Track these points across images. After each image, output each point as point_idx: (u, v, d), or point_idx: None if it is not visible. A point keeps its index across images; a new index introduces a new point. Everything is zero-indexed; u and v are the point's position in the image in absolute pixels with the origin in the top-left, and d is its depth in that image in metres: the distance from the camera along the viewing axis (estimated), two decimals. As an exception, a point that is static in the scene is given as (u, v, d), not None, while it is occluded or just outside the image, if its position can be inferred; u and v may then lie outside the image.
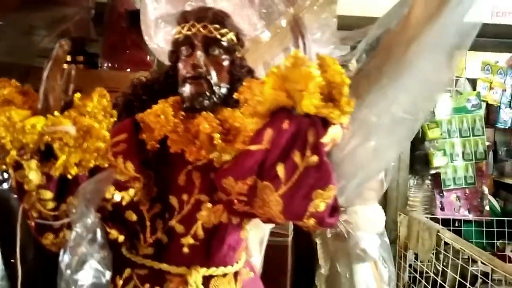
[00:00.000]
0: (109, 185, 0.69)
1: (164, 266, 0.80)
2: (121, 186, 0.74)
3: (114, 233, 0.75)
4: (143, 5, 1.09)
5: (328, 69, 0.64)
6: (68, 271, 0.69)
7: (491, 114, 3.19)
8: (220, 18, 0.81)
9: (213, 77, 0.78)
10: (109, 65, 1.92)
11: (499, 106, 3.13)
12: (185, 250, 0.79)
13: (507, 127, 3.15)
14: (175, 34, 0.80)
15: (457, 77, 3.19)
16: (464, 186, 2.87)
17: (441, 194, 2.90)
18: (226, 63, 0.80)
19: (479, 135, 3.02)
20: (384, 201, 2.66)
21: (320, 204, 0.67)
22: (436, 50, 1.08)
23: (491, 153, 3.08)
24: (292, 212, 0.69)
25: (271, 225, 1.55)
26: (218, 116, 0.77)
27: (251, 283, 0.89)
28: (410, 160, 2.83)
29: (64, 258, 0.69)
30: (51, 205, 0.70)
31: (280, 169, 0.67)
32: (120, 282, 0.81)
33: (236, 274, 0.86)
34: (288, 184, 0.67)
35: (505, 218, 2.80)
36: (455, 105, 3.08)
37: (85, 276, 0.69)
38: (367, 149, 1.29)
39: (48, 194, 0.69)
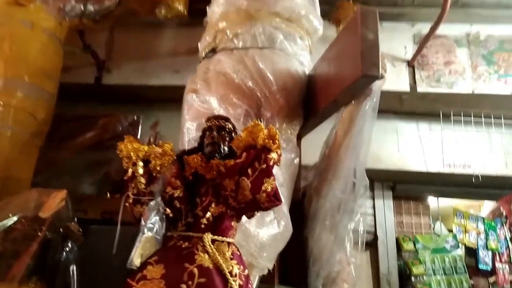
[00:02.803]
0: (167, 185, 1.47)
1: (190, 234, 1.46)
2: (173, 188, 1.50)
3: (168, 210, 1.45)
4: (182, 133, 2.05)
5: (272, 130, 1.49)
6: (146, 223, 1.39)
7: (470, 255, 3.70)
8: (226, 118, 1.69)
9: (221, 144, 1.62)
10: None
11: (477, 249, 3.67)
12: (202, 226, 1.47)
13: (488, 269, 3.60)
14: (205, 126, 1.69)
15: (433, 221, 3.88)
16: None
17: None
18: (227, 138, 1.64)
19: (462, 273, 3.47)
20: None
21: (268, 186, 1.41)
22: (353, 152, 1.92)
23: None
24: (254, 189, 1.41)
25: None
26: (222, 161, 1.58)
27: (238, 257, 1.50)
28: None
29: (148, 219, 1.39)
30: (143, 186, 1.45)
31: (249, 170, 1.44)
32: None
33: (229, 244, 1.49)
34: (253, 176, 1.42)
35: None
36: (435, 246, 3.64)
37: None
38: (326, 231, 2.03)
39: (143, 180, 1.47)
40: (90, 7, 3.03)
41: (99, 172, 3.13)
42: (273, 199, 1.43)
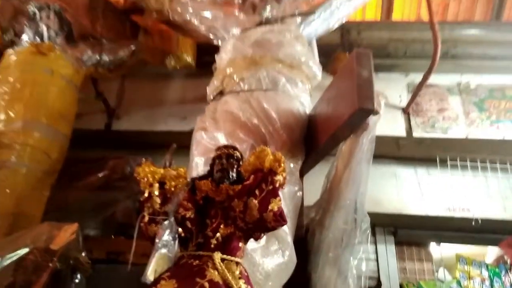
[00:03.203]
0: (180, 206, 1.58)
1: (201, 253, 1.54)
2: (185, 209, 1.60)
3: (180, 230, 1.54)
4: (190, 167, 2.19)
5: (277, 155, 1.63)
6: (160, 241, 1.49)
7: (476, 302, 3.66)
8: (234, 147, 1.83)
9: (230, 171, 1.74)
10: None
11: (482, 295, 3.65)
12: (212, 246, 1.56)
13: (495, 315, 3.56)
14: (215, 155, 1.82)
15: (437, 267, 3.88)
16: None
17: None
18: (236, 165, 1.77)
19: (471, 320, 3.43)
20: None
21: (274, 206, 1.51)
22: (353, 184, 2.05)
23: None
24: (262, 209, 1.51)
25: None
26: (231, 186, 1.71)
27: (246, 277, 1.57)
28: None
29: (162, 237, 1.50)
30: (158, 206, 1.56)
31: (257, 191, 1.55)
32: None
33: (237, 263, 1.57)
34: (260, 197, 1.53)
35: None
36: (440, 292, 3.63)
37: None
38: (330, 264, 2.12)
39: (158, 200, 1.58)
40: (105, 57, 3.29)
41: (105, 212, 3.22)
42: (279, 219, 1.53)
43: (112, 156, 3.28)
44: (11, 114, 2.70)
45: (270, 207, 1.51)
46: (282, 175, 1.56)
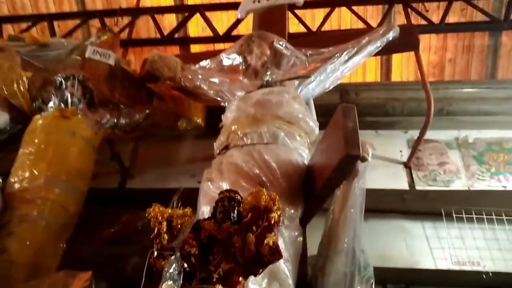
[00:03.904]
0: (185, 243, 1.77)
1: (204, 286, 1.70)
2: (190, 246, 1.78)
3: (185, 265, 1.71)
4: (197, 216, 2.39)
5: (272, 195, 1.84)
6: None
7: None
8: (235, 191, 2.03)
9: (231, 212, 1.94)
10: None
11: None
12: (214, 279, 1.71)
13: None
14: (217, 198, 2.03)
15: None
16: None
17: None
18: (236, 207, 1.97)
19: None
20: None
21: (270, 240, 1.69)
22: (350, 226, 2.23)
23: None
24: (258, 242, 1.68)
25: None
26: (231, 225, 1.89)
27: None
28: None
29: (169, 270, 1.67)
30: (166, 242, 1.74)
31: (254, 227, 1.74)
32: None
33: None
34: (257, 232, 1.72)
35: None
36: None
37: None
38: None
39: (166, 237, 1.77)
40: (122, 121, 3.64)
41: (116, 267, 3.36)
42: (275, 252, 1.70)
43: (126, 211, 3.49)
44: (35, 172, 2.99)
45: (266, 241, 1.69)
46: (277, 212, 1.76)
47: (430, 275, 3.87)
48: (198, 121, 4.05)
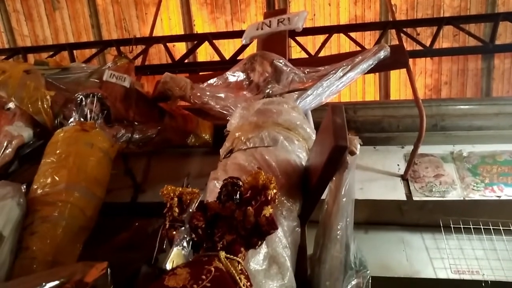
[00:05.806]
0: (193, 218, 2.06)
1: (209, 253, 1.96)
2: (198, 220, 2.07)
3: (193, 235, 1.99)
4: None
5: (269, 176, 2.14)
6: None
7: None
8: (237, 178, 2.33)
9: (233, 195, 2.22)
10: None
11: None
12: (218, 248, 1.98)
13: None
14: (222, 184, 2.32)
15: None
16: None
17: None
18: (238, 191, 2.24)
19: None
20: None
21: (266, 212, 1.98)
22: (342, 214, 2.50)
23: None
24: (256, 214, 1.97)
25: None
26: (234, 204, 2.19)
27: (247, 276, 1.95)
28: None
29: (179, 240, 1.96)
30: (176, 214, 2.03)
31: (253, 202, 2.03)
32: None
33: (239, 263, 1.95)
34: (255, 205, 2.01)
35: None
36: None
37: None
38: None
39: (177, 210, 2.06)
40: (136, 136, 4.00)
41: (127, 273, 3.60)
42: (271, 223, 1.99)
43: (138, 219, 3.77)
44: (56, 178, 3.31)
45: (263, 213, 1.98)
46: (273, 190, 2.06)
47: (430, 284, 4.04)
48: (206, 137, 4.40)
